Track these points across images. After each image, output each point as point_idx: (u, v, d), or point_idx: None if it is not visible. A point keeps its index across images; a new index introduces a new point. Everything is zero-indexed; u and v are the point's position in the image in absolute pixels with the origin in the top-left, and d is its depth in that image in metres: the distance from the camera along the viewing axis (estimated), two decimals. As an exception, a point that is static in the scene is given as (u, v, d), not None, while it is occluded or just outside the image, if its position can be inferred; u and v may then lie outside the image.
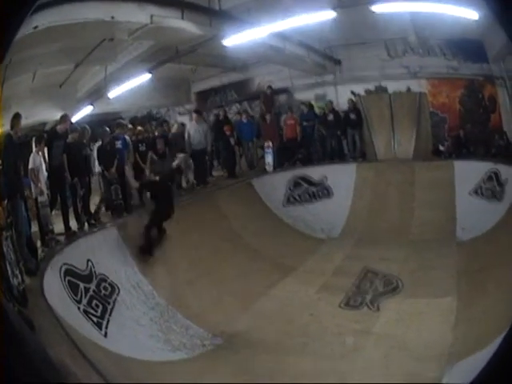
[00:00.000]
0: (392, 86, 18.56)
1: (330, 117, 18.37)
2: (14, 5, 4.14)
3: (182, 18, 12.67)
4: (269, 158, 17.90)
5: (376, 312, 10.56)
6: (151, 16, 11.89)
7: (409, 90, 18.38)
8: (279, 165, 17.95)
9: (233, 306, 10.73)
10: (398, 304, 10.78)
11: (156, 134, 15.49)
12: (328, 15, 13.38)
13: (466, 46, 17.09)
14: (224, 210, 14.67)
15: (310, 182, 16.85)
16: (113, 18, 11.19)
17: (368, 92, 18.76)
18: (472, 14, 12.68)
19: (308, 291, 11.49)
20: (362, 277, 12.12)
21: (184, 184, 15.82)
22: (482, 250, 12.69)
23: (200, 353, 9.14)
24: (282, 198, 16.50)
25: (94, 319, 8.98)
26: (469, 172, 15.90)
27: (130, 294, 10.10)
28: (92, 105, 17.61)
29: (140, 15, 11.83)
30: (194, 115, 16.83)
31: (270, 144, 17.96)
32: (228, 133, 17.61)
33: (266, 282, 11.45)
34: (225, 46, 14.13)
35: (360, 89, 18.87)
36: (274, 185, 16.69)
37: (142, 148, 14.25)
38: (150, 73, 16.17)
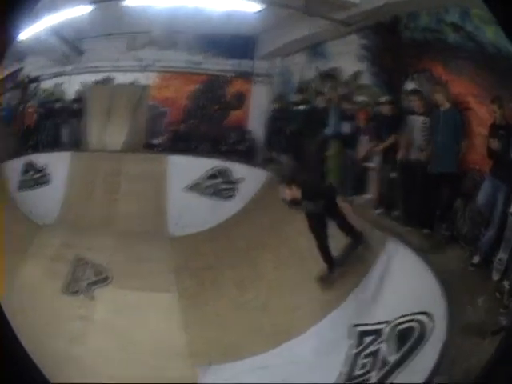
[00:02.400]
0: (120, 78, 18.77)
1: (58, 105, 18.47)
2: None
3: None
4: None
5: (92, 300, 10.86)
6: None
7: (133, 82, 18.71)
8: (19, 151, 17.47)
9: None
10: (112, 294, 11.13)
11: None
12: (84, 9, 13.71)
13: (224, 42, 17.85)
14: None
15: (34, 169, 16.62)
16: None
17: (96, 83, 18.81)
18: (250, 8, 13.39)
19: (35, 275, 11.33)
20: (75, 264, 12.24)
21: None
22: (205, 247, 13.55)
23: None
24: (17, 183, 16.11)
25: None
26: (186, 168, 16.49)
27: None
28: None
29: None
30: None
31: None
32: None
33: (9, 266, 10.63)
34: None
35: (91, 79, 18.86)
36: (13, 170, 16.26)
37: None
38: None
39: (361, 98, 13.16)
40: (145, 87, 18.71)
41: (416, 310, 7.32)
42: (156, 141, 18.43)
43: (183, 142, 17.95)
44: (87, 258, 12.52)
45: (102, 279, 11.75)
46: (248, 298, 10.60)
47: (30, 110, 18.48)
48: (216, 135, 18.46)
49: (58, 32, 15.97)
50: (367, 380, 7.00)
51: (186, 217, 15.18)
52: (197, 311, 10.42)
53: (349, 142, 12.53)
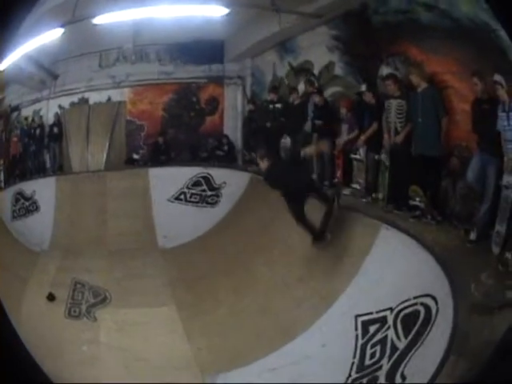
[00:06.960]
0: (95, 97, 18.47)
1: (37, 132, 18.20)
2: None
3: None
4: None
5: (95, 322, 10.85)
6: None
7: (109, 99, 18.42)
8: (7, 182, 17.20)
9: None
10: (113, 314, 11.08)
11: None
12: (56, 33, 13.47)
13: (193, 49, 17.72)
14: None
15: (24, 197, 16.42)
16: None
17: (72, 105, 18.54)
18: (216, 13, 13.19)
19: (38, 303, 11.23)
20: (73, 288, 12.21)
21: None
22: (197, 256, 13.61)
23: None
24: (10, 213, 15.94)
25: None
26: (168, 179, 16.41)
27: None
28: None
29: None
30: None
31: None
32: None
33: (16, 295, 10.77)
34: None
35: (67, 102, 18.57)
36: (5, 201, 16.06)
37: None
38: None
39: (333, 90, 13.34)
40: (120, 103, 18.50)
41: (418, 294, 7.41)
42: (136, 156, 18.27)
43: (163, 154, 17.78)
44: (84, 281, 12.53)
45: (101, 300, 11.77)
46: (246, 302, 10.61)
47: (14, 139, 18.28)
48: (194, 143, 18.43)
49: (33, 58, 15.95)
50: (380, 368, 6.99)
51: (175, 228, 15.16)
52: (197, 322, 10.46)
53: (326, 133, 12.68)
